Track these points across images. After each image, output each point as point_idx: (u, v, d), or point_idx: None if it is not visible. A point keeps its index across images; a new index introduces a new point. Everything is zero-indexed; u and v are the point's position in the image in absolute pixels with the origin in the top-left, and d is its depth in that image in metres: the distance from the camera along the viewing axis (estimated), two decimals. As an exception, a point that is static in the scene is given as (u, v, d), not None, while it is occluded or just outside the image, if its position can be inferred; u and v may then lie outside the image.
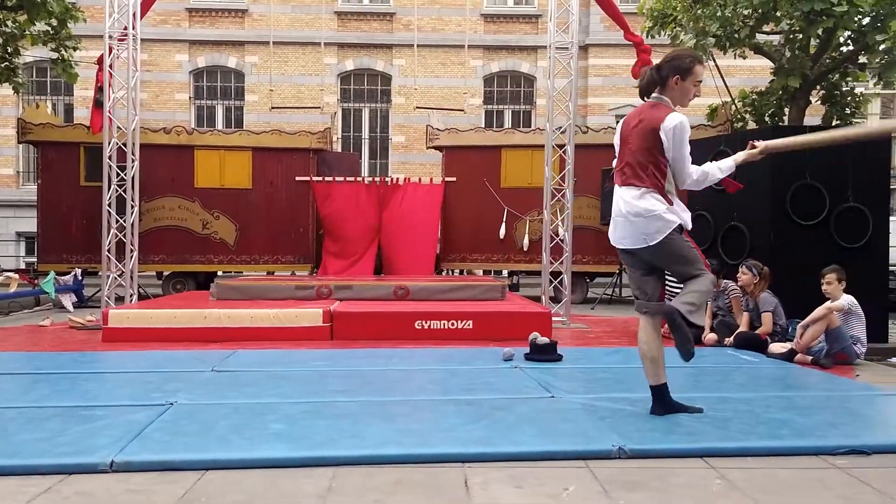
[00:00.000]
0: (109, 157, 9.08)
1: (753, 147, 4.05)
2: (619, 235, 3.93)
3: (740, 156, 4.05)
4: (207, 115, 20.38)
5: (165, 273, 12.57)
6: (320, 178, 12.29)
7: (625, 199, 3.86)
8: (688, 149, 3.82)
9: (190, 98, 20.13)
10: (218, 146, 12.26)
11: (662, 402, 3.96)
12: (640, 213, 3.79)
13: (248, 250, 12.32)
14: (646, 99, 4.01)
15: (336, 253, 12.19)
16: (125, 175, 9.25)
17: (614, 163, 4.08)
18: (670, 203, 3.83)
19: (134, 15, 9.06)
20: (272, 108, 16.53)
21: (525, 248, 12.23)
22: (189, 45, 20.00)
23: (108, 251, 9.07)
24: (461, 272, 13.01)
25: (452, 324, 7.20)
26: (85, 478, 2.94)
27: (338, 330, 7.07)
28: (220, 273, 12.81)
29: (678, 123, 3.75)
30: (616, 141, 4.06)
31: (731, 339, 6.61)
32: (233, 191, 12.24)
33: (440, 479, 2.96)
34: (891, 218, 8.09)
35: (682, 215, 3.86)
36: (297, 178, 12.30)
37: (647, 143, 3.81)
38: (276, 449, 3.20)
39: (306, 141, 12.42)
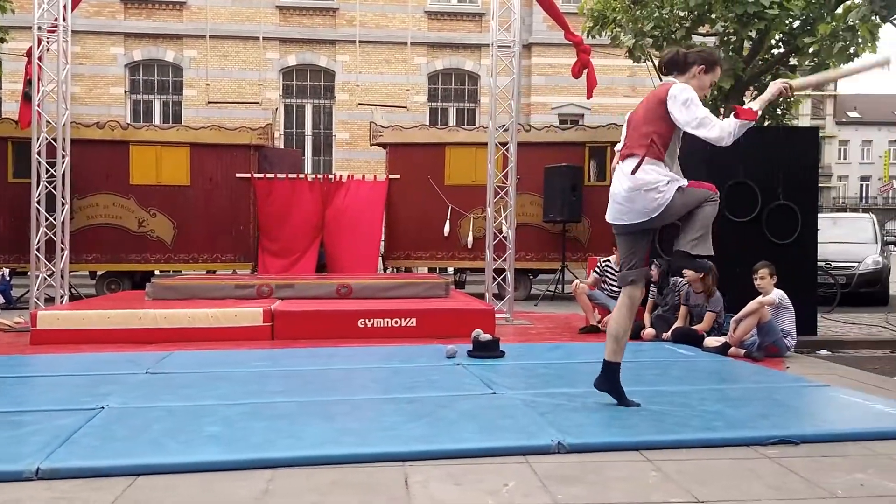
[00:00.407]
0: (38, 153, 8.75)
1: (787, 87, 3.91)
2: (616, 214, 3.99)
3: (766, 95, 3.89)
4: (144, 109, 19.88)
5: (99, 273, 12.18)
6: (261, 175, 12.09)
7: (624, 172, 3.91)
8: (700, 109, 3.77)
9: (125, 92, 19.60)
10: (154, 142, 11.93)
11: (608, 378, 4.06)
12: (638, 188, 3.82)
13: (186, 249, 12.03)
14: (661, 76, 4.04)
15: (276, 251, 12.01)
16: (55, 171, 8.93)
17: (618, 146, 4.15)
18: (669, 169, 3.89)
19: (65, 6, 8.75)
20: (209, 102, 16.17)
21: (469, 246, 12.27)
22: (124, 37, 19.47)
23: (38, 250, 8.75)
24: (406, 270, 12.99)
25: (396, 322, 7.18)
26: (9, 486, 2.82)
27: (279, 329, 6.96)
28: (157, 272, 12.49)
29: (683, 87, 3.82)
30: (623, 130, 4.14)
31: (669, 333, 6.76)
32: (170, 188, 11.93)
33: (379, 478, 2.94)
34: (819, 215, 8.37)
35: (681, 181, 3.91)
36: (238, 175, 12.07)
37: (652, 112, 3.89)
38: (211, 452, 3.13)
39: (247, 137, 12.19)
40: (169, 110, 19.91)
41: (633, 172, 3.85)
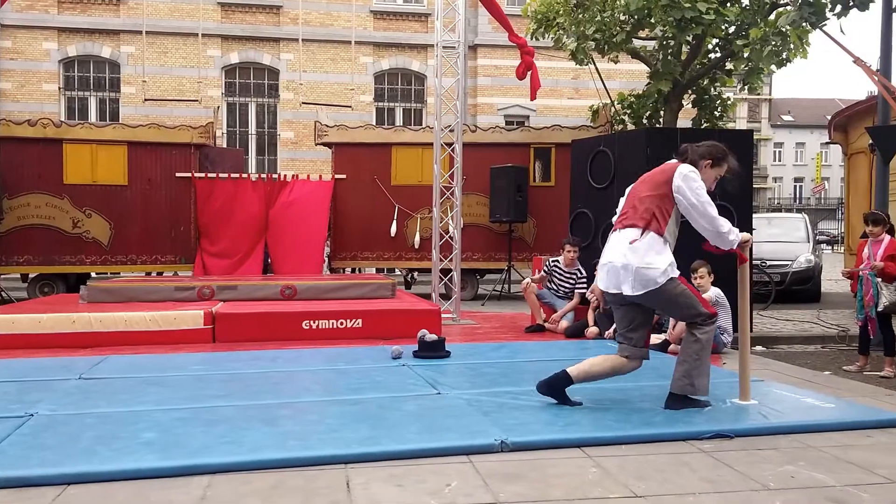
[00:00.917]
0: (-34, 151, 8.42)
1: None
2: (610, 283, 3.97)
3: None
4: (79, 107, 19.27)
5: (31, 275, 11.76)
6: (203, 175, 11.86)
7: (623, 239, 3.93)
8: (705, 197, 3.90)
9: (59, 89, 18.97)
10: (90, 140, 11.59)
11: (554, 387, 4.04)
12: (638, 266, 3.83)
13: (123, 250, 11.72)
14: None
15: (218, 253, 11.79)
16: (-16, 170, 8.61)
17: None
18: (668, 247, 3.92)
19: (-7, -2, 8.45)
20: (146, 100, 15.77)
21: (416, 246, 12.26)
22: (58, 32, 18.83)
23: (-34, 252, 8.42)
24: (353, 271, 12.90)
25: (341, 323, 7.12)
26: (-71, 499, 2.70)
27: (220, 332, 6.83)
28: (93, 274, 12.14)
29: (693, 169, 3.92)
30: (621, 202, 4.20)
31: (611, 331, 6.85)
32: (106, 187, 11.61)
33: (320, 481, 2.91)
34: (754, 215, 8.61)
35: (675, 271, 3.93)
36: (178, 175, 11.81)
37: (656, 188, 3.94)
38: (146, 459, 3.05)
39: (187, 135, 11.94)
40: (106, 108, 19.35)
41: (632, 242, 3.89)
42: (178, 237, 11.86)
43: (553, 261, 7.98)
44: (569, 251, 7.72)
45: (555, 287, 7.88)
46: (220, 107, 19.01)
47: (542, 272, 7.97)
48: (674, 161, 4.10)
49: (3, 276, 9.67)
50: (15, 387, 4.53)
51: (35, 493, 2.76)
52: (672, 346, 6.16)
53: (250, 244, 11.90)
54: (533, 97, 10.29)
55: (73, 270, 11.67)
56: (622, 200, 4.23)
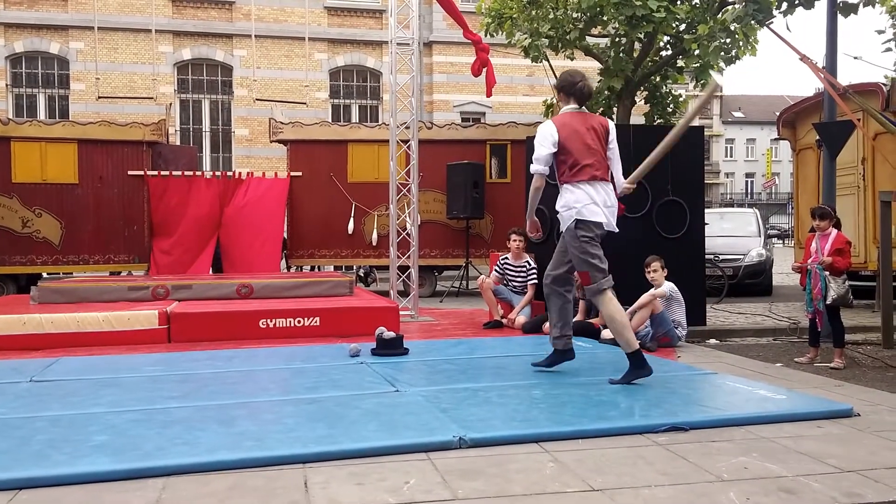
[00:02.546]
0: None
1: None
2: (613, 220, 4.72)
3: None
4: (28, 104, 18.80)
5: (-20, 276, 11.46)
6: (155, 173, 11.66)
7: (608, 191, 4.70)
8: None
9: (7, 86, 18.47)
10: (39, 138, 11.32)
11: (637, 365, 4.55)
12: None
13: (75, 250, 11.47)
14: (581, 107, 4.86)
15: (172, 251, 11.61)
16: (-74, 169, 8.34)
17: (569, 161, 4.62)
18: None
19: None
20: (99, 97, 15.43)
21: (374, 243, 12.23)
22: (5, 28, 18.34)
23: None
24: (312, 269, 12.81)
25: (299, 321, 7.06)
26: None
27: (175, 332, 6.73)
28: (44, 275, 11.85)
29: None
30: (557, 144, 4.63)
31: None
32: (57, 186, 11.35)
33: (279, 481, 2.89)
34: (707, 210, 8.77)
35: None
36: (130, 173, 11.59)
37: (601, 142, 4.69)
38: (99, 462, 2.98)
39: (139, 133, 11.73)
40: (55, 105, 18.89)
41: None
42: (131, 236, 11.65)
43: (503, 259, 8.03)
44: (514, 241, 7.76)
45: (511, 284, 7.93)
46: (172, 104, 18.70)
47: (495, 272, 8.00)
48: (599, 116, 4.95)
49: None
50: (-39, 391, 4.41)
51: (-16, 499, 2.69)
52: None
53: (205, 242, 11.75)
54: (489, 94, 10.32)
55: (24, 271, 11.40)
56: (559, 142, 4.64)
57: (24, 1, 18.49)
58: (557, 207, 4.67)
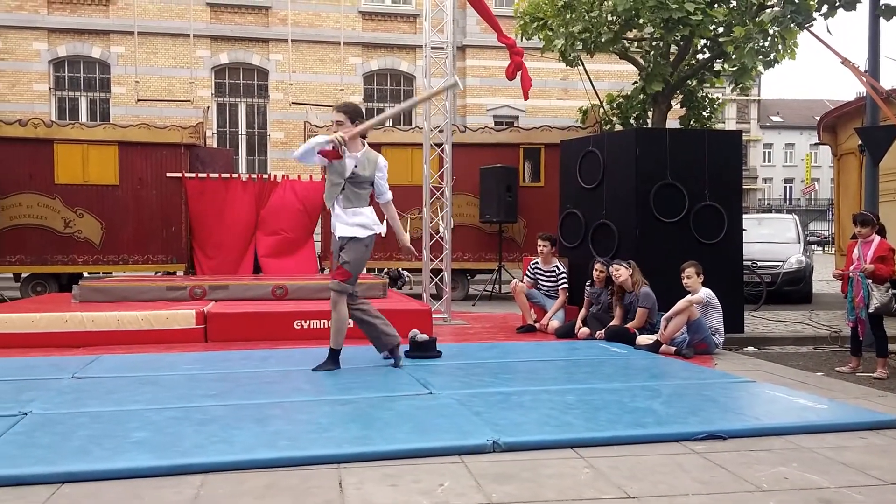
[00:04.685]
0: (-45, 151, 8.37)
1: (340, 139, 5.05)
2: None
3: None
4: (70, 107, 19.20)
5: (24, 275, 11.73)
6: (193, 175, 11.83)
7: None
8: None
9: (50, 89, 18.90)
10: (80, 140, 11.57)
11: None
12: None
13: (115, 250, 11.69)
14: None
15: (210, 252, 11.77)
16: (-27, 170, 8.57)
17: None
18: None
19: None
20: (139, 100, 15.72)
21: (406, 246, 12.23)
22: (48, 32, 18.76)
23: (-45, 252, 8.37)
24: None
25: (327, 324, 7.09)
26: (-79, 499, 2.69)
27: (212, 332, 6.82)
28: (85, 274, 12.10)
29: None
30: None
31: (602, 332, 6.88)
32: (98, 187, 11.58)
33: (313, 481, 2.91)
34: (745, 216, 8.64)
35: None
36: (168, 174, 11.79)
37: None
38: (138, 458, 3.04)
39: (177, 135, 11.92)
40: (96, 108, 19.28)
41: None
42: (169, 237, 11.84)
43: (534, 264, 8.01)
44: (540, 245, 7.75)
45: (543, 288, 7.91)
46: (209, 107, 18.96)
47: (527, 276, 8.00)
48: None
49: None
50: (9, 386, 4.52)
51: (29, 491, 2.75)
52: (664, 347, 6.18)
53: (241, 244, 11.89)
54: (525, 97, 10.30)
55: (66, 270, 11.64)
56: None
57: (66, 6, 18.91)
58: (359, 222, 5.21)
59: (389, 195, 5.46)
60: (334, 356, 5.24)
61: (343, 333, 5.24)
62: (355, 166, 5.20)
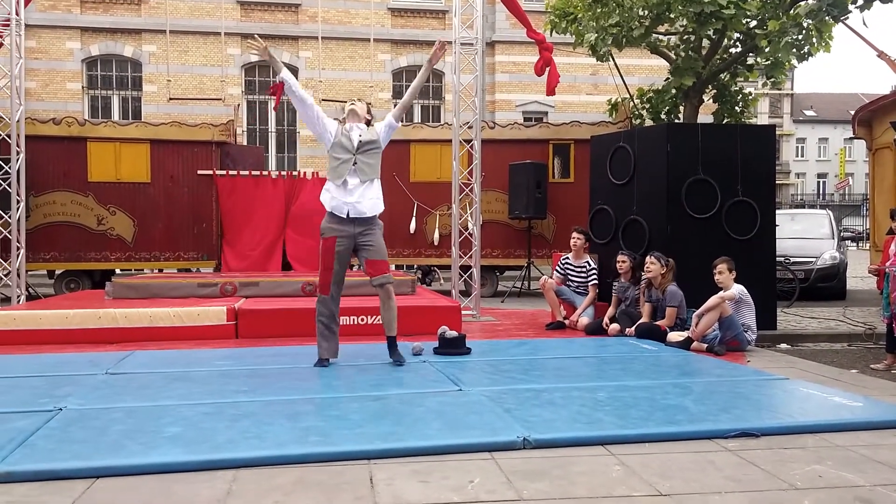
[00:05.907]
0: (-8, 150, 8.54)
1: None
2: None
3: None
4: (102, 105, 19.49)
5: (58, 272, 11.93)
6: (224, 172, 11.95)
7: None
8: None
9: (83, 87, 19.20)
10: (113, 138, 11.72)
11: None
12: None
13: (147, 247, 11.85)
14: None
15: (240, 249, 11.88)
16: (9, 168, 8.73)
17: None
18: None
19: (17, 0, 8.56)
20: (171, 98, 15.90)
21: (436, 243, 12.27)
22: (81, 31, 19.06)
23: (-7, 249, 8.55)
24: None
25: (362, 319, 7.14)
26: (-38, 492, 2.75)
27: (243, 328, 6.88)
28: (117, 271, 12.27)
29: None
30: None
31: (633, 329, 6.83)
32: (130, 185, 11.74)
33: (344, 477, 2.92)
34: (777, 211, 8.50)
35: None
36: (199, 172, 11.91)
37: None
38: (171, 453, 3.08)
39: (208, 133, 12.03)
40: (128, 106, 19.55)
41: None
42: (200, 234, 11.96)
43: (564, 259, 7.97)
44: (574, 238, 7.72)
45: (573, 284, 7.87)
46: (240, 105, 19.13)
47: (557, 272, 7.97)
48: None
49: (30, 273, 9.83)
50: (44, 381, 4.60)
51: (65, 485, 2.80)
52: (695, 344, 6.12)
53: (271, 241, 11.97)
54: (551, 93, 10.24)
55: (99, 267, 11.81)
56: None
57: (99, 6, 19.20)
58: (377, 195, 5.41)
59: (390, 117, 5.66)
60: (394, 342, 5.48)
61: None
62: (360, 135, 5.35)
